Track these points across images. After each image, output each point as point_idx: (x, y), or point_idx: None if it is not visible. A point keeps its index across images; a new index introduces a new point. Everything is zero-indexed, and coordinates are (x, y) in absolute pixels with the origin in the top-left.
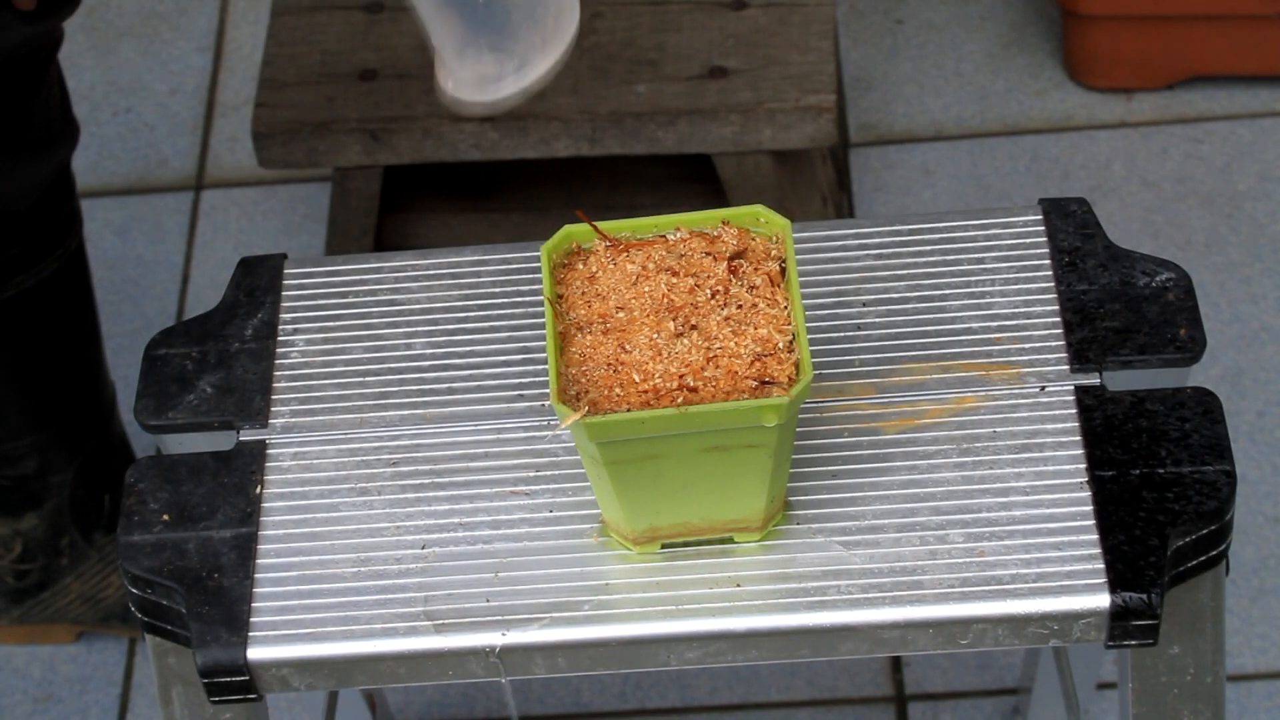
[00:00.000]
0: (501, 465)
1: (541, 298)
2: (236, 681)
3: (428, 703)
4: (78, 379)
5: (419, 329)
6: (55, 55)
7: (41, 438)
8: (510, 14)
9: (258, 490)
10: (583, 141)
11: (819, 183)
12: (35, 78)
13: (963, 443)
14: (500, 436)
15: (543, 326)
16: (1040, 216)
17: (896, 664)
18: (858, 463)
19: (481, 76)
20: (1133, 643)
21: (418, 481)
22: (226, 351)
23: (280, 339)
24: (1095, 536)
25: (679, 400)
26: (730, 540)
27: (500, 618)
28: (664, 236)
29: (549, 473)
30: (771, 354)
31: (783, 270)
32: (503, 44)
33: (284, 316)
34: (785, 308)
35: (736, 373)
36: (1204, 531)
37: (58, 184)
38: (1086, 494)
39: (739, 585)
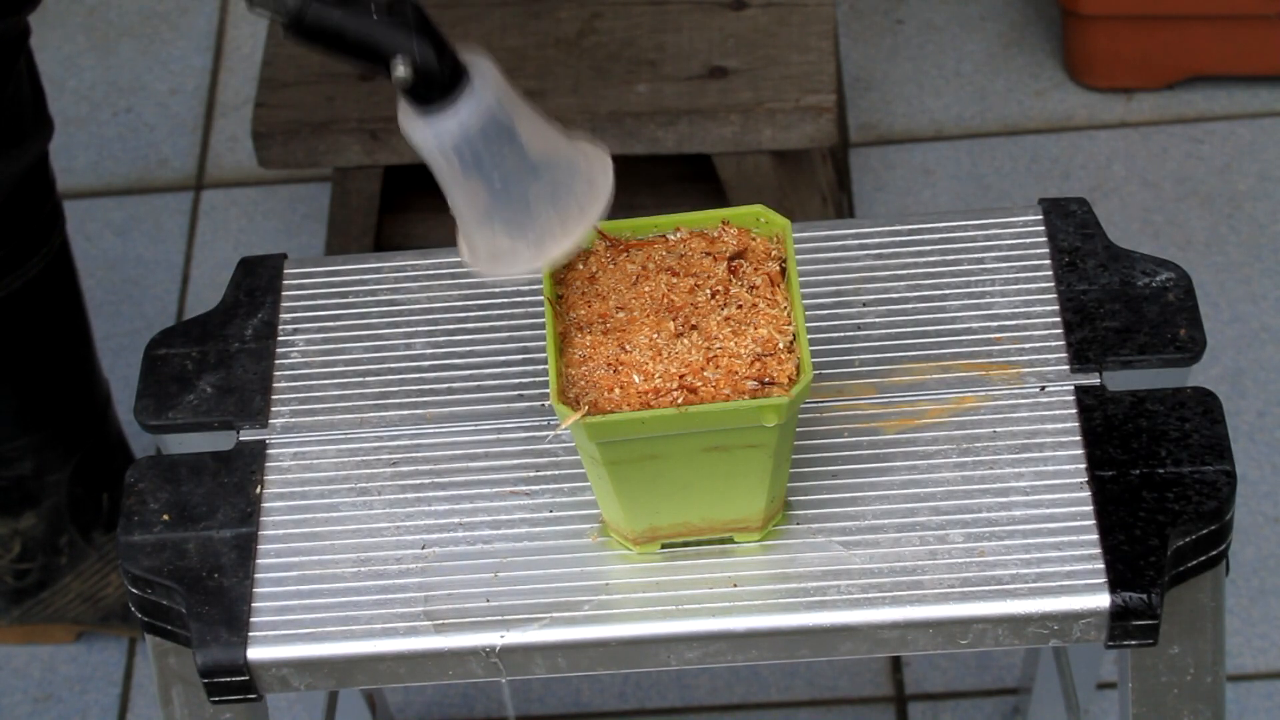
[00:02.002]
0: (501, 465)
1: (541, 298)
2: (236, 681)
3: (428, 703)
4: (70, 378)
5: (419, 329)
6: (22, 49)
7: (36, 438)
8: (530, 199)
9: (258, 490)
10: None
11: (819, 183)
12: (2, 72)
13: (963, 443)
14: (500, 436)
15: (543, 326)
16: (1040, 216)
17: (896, 664)
18: (858, 463)
19: (496, 252)
20: (1133, 643)
21: (418, 481)
22: (226, 351)
23: (280, 339)
24: (1095, 536)
25: (679, 400)
26: (730, 540)
27: (500, 618)
28: (664, 236)
29: (549, 473)
30: (771, 354)
31: (783, 270)
32: (518, 223)
33: (284, 316)
34: (785, 308)
35: (736, 373)
36: (1204, 531)
37: (36, 181)
38: (1086, 494)
39: (739, 585)
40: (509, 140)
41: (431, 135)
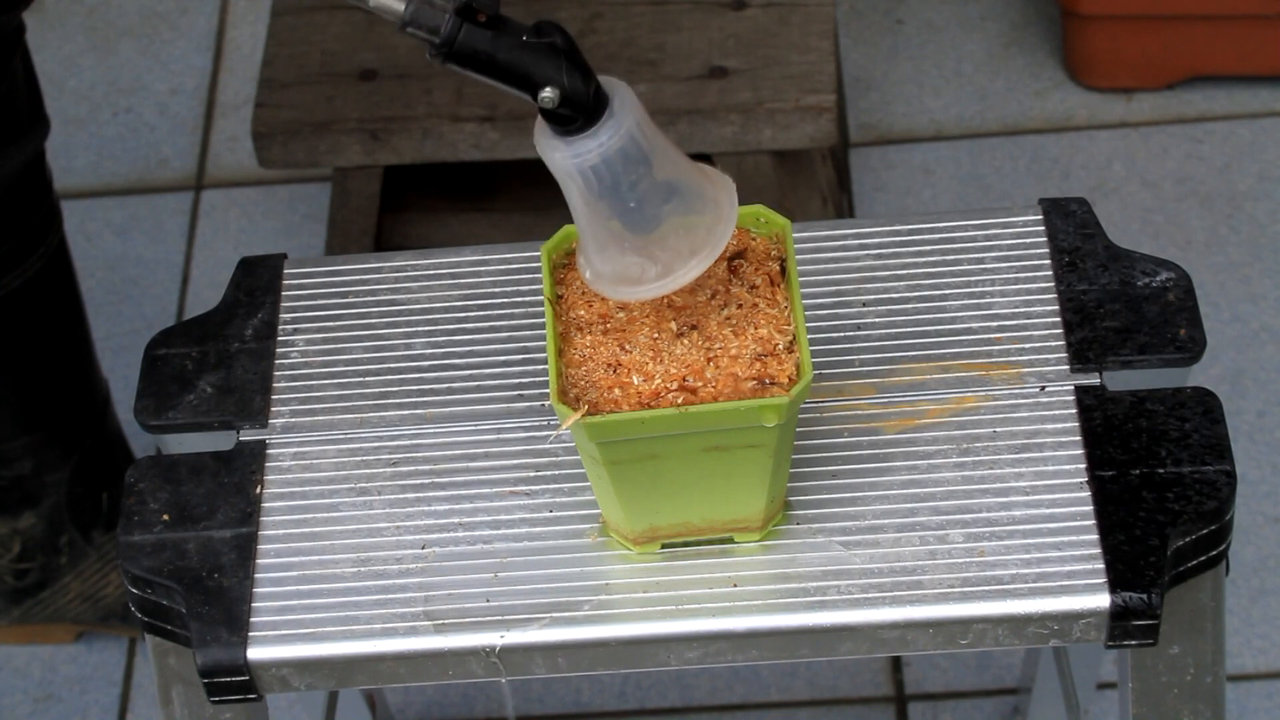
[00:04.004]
0: (501, 465)
1: (541, 298)
2: (236, 681)
3: (428, 703)
4: (69, 377)
5: (419, 329)
6: (16, 47)
7: (35, 438)
8: (662, 221)
9: (258, 490)
10: None
11: (819, 183)
12: None
13: (963, 443)
14: (500, 436)
15: (543, 326)
16: (1040, 216)
17: (896, 664)
18: (858, 463)
19: (621, 277)
20: (1133, 643)
21: (418, 481)
22: (226, 351)
23: (280, 339)
24: (1095, 536)
25: (679, 400)
26: (730, 540)
27: (500, 618)
28: None
29: (549, 473)
30: (771, 354)
31: (783, 270)
32: (648, 250)
33: (284, 316)
34: (785, 308)
35: (736, 373)
36: (1204, 531)
37: (33, 180)
38: (1086, 494)
39: (739, 585)
40: (644, 164)
41: (570, 156)
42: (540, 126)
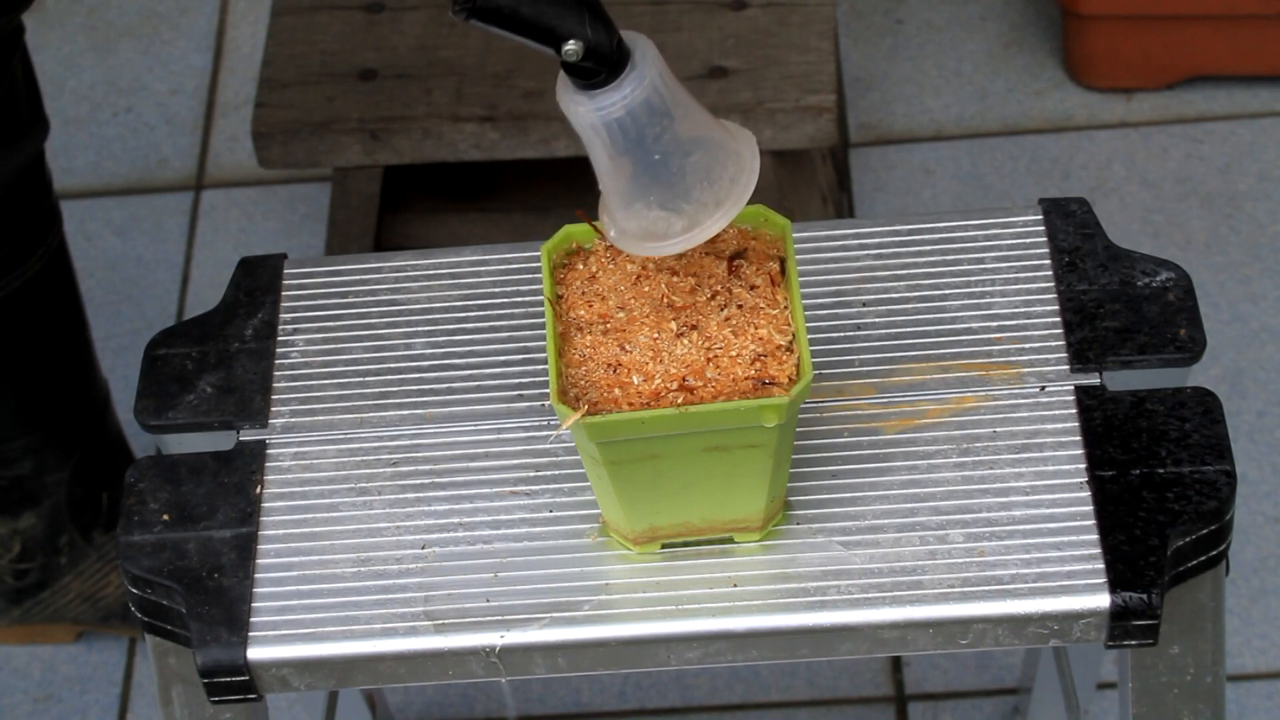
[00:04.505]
0: (501, 465)
1: (541, 298)
2: (236, 681)
3: (428, 703)
4: (69, 378)
5: (419, 329)
6: (16, 48)
7: (35, 438)
8: (686, 174)
9: (258, 490)
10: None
11: (819, 183)
12: None
13: (963, 443)
14: (500, 436)
15: (543, 326)
16: (1040, 216)
17: (896, 664)
18: (858, 463)
19: (648, 233)
20: (1133, 643)
21: (418, 481)
22: (226, 351)
23: (280, 339)
24: (1095, 536)
25: (679, 400)
26: (730, 540)
27: (500, 618)
28: None
29: (549, 473)
30: (771, 354)
31: (783, 270)
32: (674, 203)
33: (284, 316)
34: (785, 308)
35: (736, 373)
36: (1204, 531)
37: (33, 180)
38: (1086, 494)
39: (739, 585)
40: (667, 117)
41: (594, 109)
42: (563, 82)
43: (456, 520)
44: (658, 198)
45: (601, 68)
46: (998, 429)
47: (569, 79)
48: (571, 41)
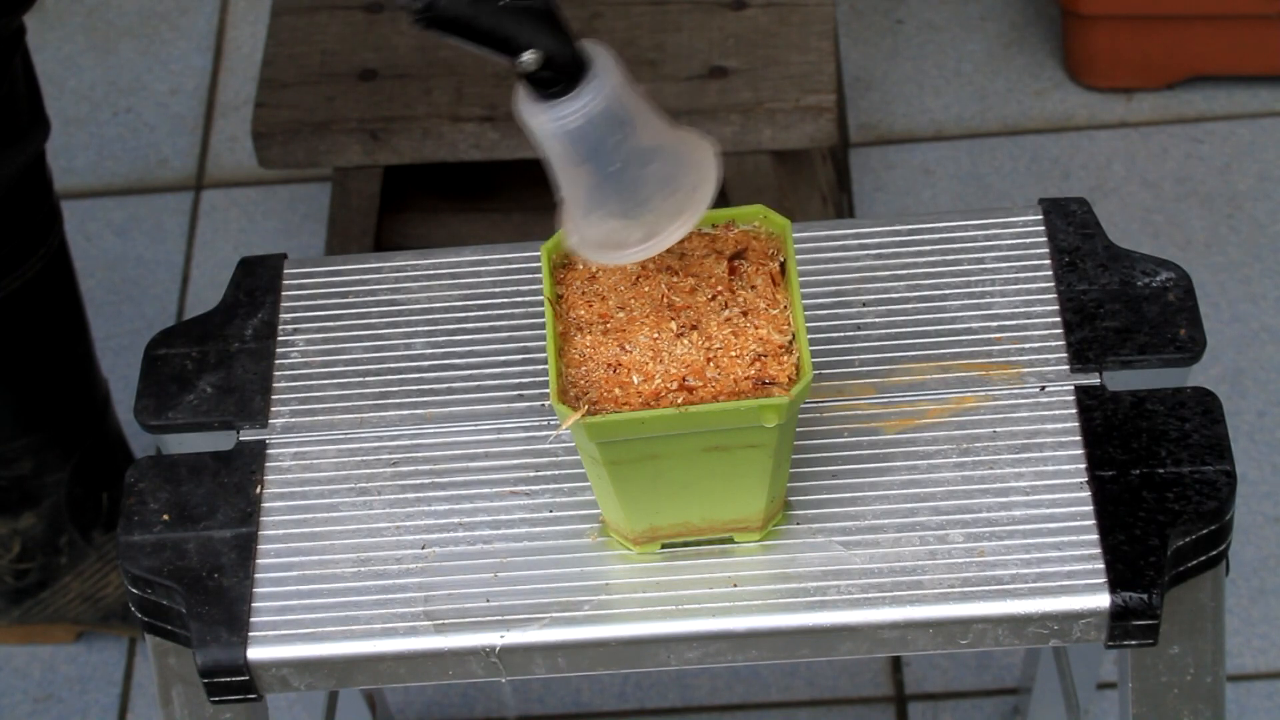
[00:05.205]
0: (501, 465)
1: (541, 298)
2: (236, 681)
3: (428, 703)
4: (69, 378)
5: (419, 329)
6: (17, 49)
7: (35, 439)
8: (645, 183)
9: (258, 490)
10: None
11: (819, 183)
12: None
13: (963, 443)
14: (500, 436)
15: (543, 326)
16: (1040, 216)
17: (896, 664)
18: (858, 463)
19: (607, 241)
20: (1133, 643)
21: (418, 481)
22: (226, 351)
23: (280, 339)
24: (1095, 536)
25: (679, 400)
26: (730, 540)
27: (500, 618)
28: None
29: (549, 473)
30: (771, 354)
31: (783, 270)
32: (633, 212)
33: (284, 316)
34: (785, 308)
35: (736, 373)
36: (1204, 531)
37: (34, 181)
38: (1086, 494)
39: (739, 585)
40: (626, 126)
41: (553, 120)
42: (521, 92)
43: (456, 520)
44: (617, 207)
45: (559, 78)
46: (998, 429)
47: (527, 89)
48: (529, 51)
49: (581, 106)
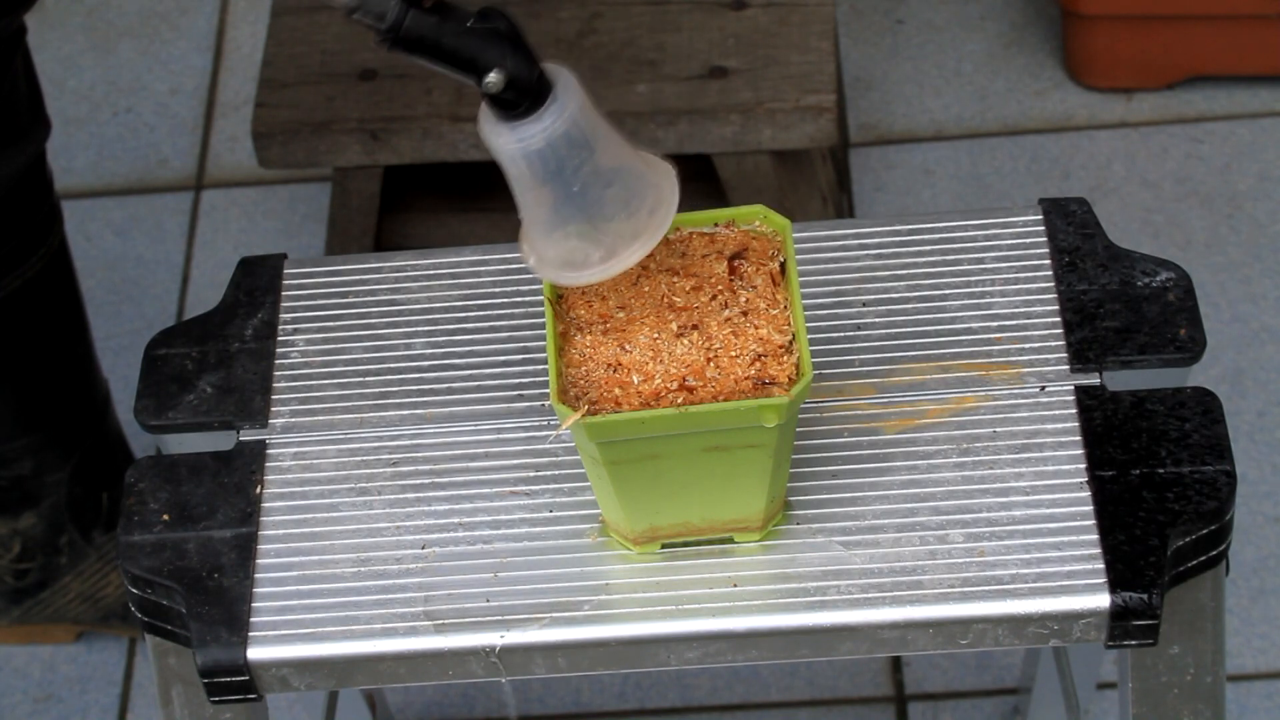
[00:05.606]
0: (501, 465)
1: (541, 298)
2: (236, 681)
3: (428, 703)
4: (69, 378)
5: (419, 329)
6: (18, 49)
7: (35, 439)
8: (605, 204)
9: (258, 490)
10: None
11: (819, 183)
12: None
13: (963, 443)
14: (500, 436)
15: (543, 326)
16: (1040, 216)
17: (896, 664)
18: (858, 463)
19: (566, 261)
20: (1133, 643)
21: (418, 481)
22: (226, 351)
23: (280, 339)
24: (1095, 536)
25: (679, 400)
26: (730, 540)
27: (500, 618)
28: (664, 236)
29: (549, 473)
30: (771, 354)
31: (783, 270)
32: (592, 233)
33: (284, 316)
34: (785, 308)
35: (737, 373)
36: (1204, 531)
37: (34, 181)
38: (1086, 494)
39: (739, 585)
40: (587, 149)
41: (515, 140)
42: (485, 112)
43: (456, 520)
44: (577, 227)
45: (522, 99)
46: (998, 429)
47: (491, 109)
48: (493, 73)
49: (544, 128)
